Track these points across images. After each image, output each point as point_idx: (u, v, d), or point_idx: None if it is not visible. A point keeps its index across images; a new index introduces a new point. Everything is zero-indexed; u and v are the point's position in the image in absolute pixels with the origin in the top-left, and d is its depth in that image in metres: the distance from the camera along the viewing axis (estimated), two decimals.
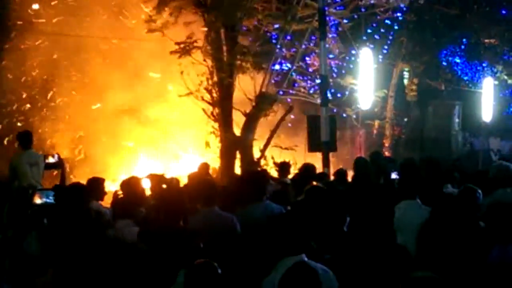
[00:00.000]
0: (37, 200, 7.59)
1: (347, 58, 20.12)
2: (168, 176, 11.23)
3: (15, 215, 6.28)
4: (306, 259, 4.75)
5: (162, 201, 6.38)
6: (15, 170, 10.47)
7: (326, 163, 14.18)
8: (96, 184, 8.07)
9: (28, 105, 18.89)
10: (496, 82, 23.76)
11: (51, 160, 9.22)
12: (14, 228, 6.17)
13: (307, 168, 9.68)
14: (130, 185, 7.89)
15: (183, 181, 10.72)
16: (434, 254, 5.11)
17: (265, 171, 11.49)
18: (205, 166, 11.60)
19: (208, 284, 4.58)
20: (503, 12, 23.02)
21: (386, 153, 21.50)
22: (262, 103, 15.91)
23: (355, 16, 19.05)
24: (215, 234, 6.30)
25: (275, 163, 13.42)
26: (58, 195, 6.84)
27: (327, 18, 16.00)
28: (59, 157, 9.25)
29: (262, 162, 15.98)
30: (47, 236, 5.49)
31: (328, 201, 6.39)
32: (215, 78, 15.71)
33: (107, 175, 14.36)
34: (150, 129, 19.26)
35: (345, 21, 18.47)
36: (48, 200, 7.59)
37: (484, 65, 24.82)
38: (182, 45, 15.61)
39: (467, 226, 4.87)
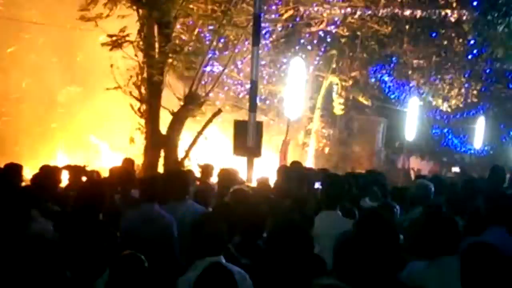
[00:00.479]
0: None
1: (279, 66, 20.25)
2: (88, 168, 11.07)
3: None
4: (223, 261, 4.72)
5: (82, 194, 6.25)
6: None
7: (250, 168, 14.19)
8: (16, 170, 7.89)
9: None
10: (421, 103, 24.29)
11: None
12: None
13: (228, 172, 9.67)
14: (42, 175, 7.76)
15: (104, 175, 10.57)
16: (350, 265, 5.14)
17: (190, 171, 11.41)
18: (129, 161, 11.43)
19: (133, 276, 4.48)
20: (433, 34, 23.55)
21: (310, 164, 21.71)
22: (190, 103, 15.81)
23: (290, 25, 19.19)
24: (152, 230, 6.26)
25: (198, 164, 13.35)
26: None
27: (262, 25, 16.04)
28: None
29: (187, 163, 15.89)
30: None
31: (251, 205, 6.37)
32: (145, 74, 15.53)
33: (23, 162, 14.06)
34: (74, 120, 18.98)
35: (279, 29, 18.59)
36: None
37: (411, 85, 25.34)
38: (114, 38, 15.39)
39: (387, 240, 4.92)
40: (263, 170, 16.22)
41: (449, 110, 24.83)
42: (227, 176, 9.17)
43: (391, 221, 5.61)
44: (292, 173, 10.54)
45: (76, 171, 10.28)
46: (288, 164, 13.15)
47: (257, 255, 5.60)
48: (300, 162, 13.06)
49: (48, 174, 8.53)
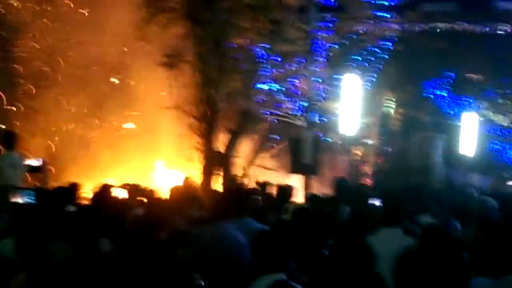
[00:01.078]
0: (18, 200, 7.51)
1: (335, 83, 20.17)
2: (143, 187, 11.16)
3: None
4: (286, 278, 4.72)
5: (146, 213, 6.32)
6: None
7: (307, 185, 14.19)
8: (75, 189, 8.02)
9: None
10: (482, 118, 23.90)
11: (35, 163, 9.12)
12: None
13: (284, 190, 9.68)
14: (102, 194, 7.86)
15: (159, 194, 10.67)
16: (412, 284, 5.08)
17: (251, 189, 11.45)
18: (189, 181, 11.51)
19: None
20: (490, 48, 23.15)
21: (368, 181, 21.53)
22: (246, 121, 15.90)
23: (343, 42, 19.13)
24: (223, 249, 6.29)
25: (257, 182, 13.37)
26: (41, 196, 6.78)
27: (317, 42, 16.06)
28: (43, 161, 9.16)
29: (243, 180, 15.96)
30: (25, 237, 5.39)
31: (313, 223, 6.35)
32: (202, 93, 15.70)
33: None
34: (131, 138, 19.20)
35: (332, 45, 18.56)
36: (28, 200, 7.52)
37: (469, 100, 24.96)
38: (170, 58, 15.62)
39: (451, 257, 4.84)
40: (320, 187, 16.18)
41: (511, 125, 24.40)
42: (285, 193, 9.18)
43: (455, 238, 5.53)
44: (348, 188, 10.47)
45: (133, 190, 10.42)
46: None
47: (317, 272, 5.58)
48: (356, 178, 13.01)
49: (106, 192, 8.66)
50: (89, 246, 5.54)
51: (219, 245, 6.50)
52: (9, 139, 10.64)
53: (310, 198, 10.47)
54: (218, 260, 6.07)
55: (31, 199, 7.47)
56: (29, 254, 5.21)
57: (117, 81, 19.64)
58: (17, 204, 7.53)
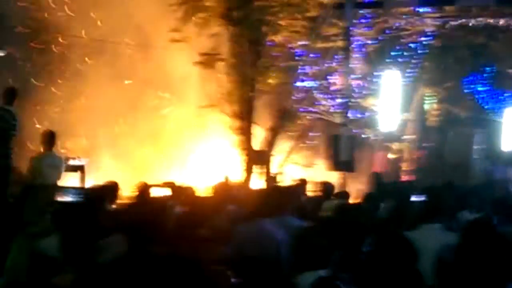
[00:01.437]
0: (60, 198, 7.61)
1: (370, 79, 20.06)
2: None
3: (35, 213, 6.27)
4: (329, 274, 4.71)
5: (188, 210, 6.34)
6: (34, 170, 10.50)
7: (344, 183, 14.14)
8: (116, 188, 8.09)
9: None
10: None
11: (73, 162, 9.24)
12: (35, 226, 6.16)
13: (327, 187, 9.64)
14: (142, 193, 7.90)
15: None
16: (455, 280, 5.04)
17: (291, 186, 11.45)
18: (228, 180, 11.54)
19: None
20: None
21: (407, 177, 21.39)
22: (283, 119, 15.89)
23: (381, 38, 19.02)
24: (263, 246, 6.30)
25: (295, 180, 13.35)
26: (82, 195, 6.86)
27: (353, 38, 16.00)
28: (83, 160, 9.27)
29: (279, 177, 15.95)
30: (69, 236, 5.45)
31: (352, 218, 6.33)
32: (238, 92, 15.74)
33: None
34: (165, 137, 19.30)
35: (370, 42, 18.47)
36: (71, 198, 7.63)
37: (507, 94, 24.64)
38: (206, 57, 15.69)
39: (496, 252, 4.78)
40: (357, 185, 16.12)
41: None
42: (326, 190, 9.16)
43: (499, 233, 5.45)
44: (385, 184, 10.41)
45: (173, 188, 10.48)
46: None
47: (358, 269, 5.55)
48: (395, 175, 12.92)
49: (146, 191, 8.70)
50: (137, 245, 5.58)
51: (257, 243, 6.51)
52: (47, 139, 10.78)
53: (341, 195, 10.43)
54: (257, 258, 6.08)
55: (72, 197, 7.57)
56: (73, 253, 5.26)
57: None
58: (59, 202, 7.62)
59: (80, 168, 9.25)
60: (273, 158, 15.85)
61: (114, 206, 8.13)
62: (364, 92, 19.83)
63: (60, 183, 10.50)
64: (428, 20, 19.05)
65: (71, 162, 9.26)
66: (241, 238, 6.67)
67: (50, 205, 7.24)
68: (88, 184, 9.20)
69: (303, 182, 11.76)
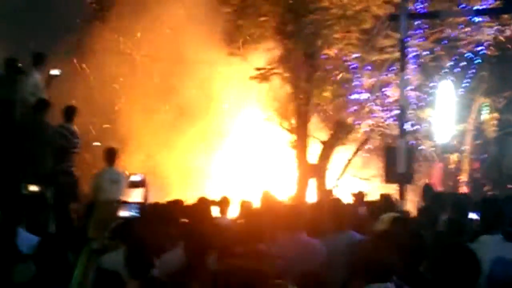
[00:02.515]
0: (122, 213, 7.78)
1: (427, 90, 19.90)
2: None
3: (99, 228, 6.42)
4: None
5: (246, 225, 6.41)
6: (96, 186, 10.74)
7: (402, 195, 14.02)
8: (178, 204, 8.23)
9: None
10: None
11: (134, 178, 9.42)
12: (98, 241, 6.31)
13: (386, 199, 9.60)
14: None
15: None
16: None
17: (358, 197, 11.47)
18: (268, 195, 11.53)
19: None
20: None
21: (463, 188, 21.11)
22: (339, 132, 15.88)
23: (436, 48, 18.86)
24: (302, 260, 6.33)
25: (353, 193, 13.30)
26: (144, 211, 7.00)
27: (408, 49, 15.92)
28: (143, 176, 9.44)
29: (336, 191, 15.91)
30: (133, 251, 5.57)
31: (413, 232, 6.31)
32: (293, 105, 15.80)
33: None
34: (221, 151, 19.46)
35: (425, 52, 18.34)
36: (133, 214, 7.78)
37: None
38: (261, 71, 15.82)
39: None
40: (415, 197, 15.99)
41: None
42: (384, 203, 9.12)
43: None
44: (442, 196, 10.28)
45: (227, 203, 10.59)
46: (440, 189, 12.94)
47: (420, 282, 5.54)
48: (452, 186, 12.77)
49: (204, 207, 8.78)
50: (196, 260, 5.68)
51: (305, 257, 6.54)
52: (109, 155, 11.02)
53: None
54: (307, 273, 6.10)
55: (135, 213, 7.72)
56: (137, 267, 5.38)
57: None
58: (121, 218, 7.78)
59: (142, 184, 9.42)
60: (329, 172, 15.81)
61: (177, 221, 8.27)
62: (420, 103, 19.69)
63: (123, 198, 10.72)
64: (485, 29, 18.80)
65: (133, 178, 9.44)
66: (292, 252, 6.71)
67: (113, 220, 7.39)
68: (151, 199, 9.37)
69: (360, 195, 11.73)
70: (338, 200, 8.56)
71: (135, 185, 9.51)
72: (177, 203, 8.39)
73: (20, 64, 12.66)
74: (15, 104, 11.06)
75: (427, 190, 11.11)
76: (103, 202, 10.06)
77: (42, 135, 10.82)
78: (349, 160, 16.25)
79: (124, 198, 10.65)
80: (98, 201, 10.20)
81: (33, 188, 8.66)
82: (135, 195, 10.43)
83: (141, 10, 19.25)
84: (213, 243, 6.66)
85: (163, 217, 6.92)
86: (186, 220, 8.28)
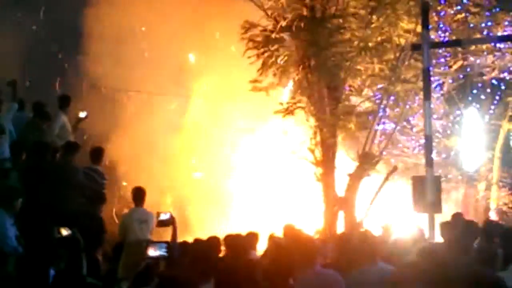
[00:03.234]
0: (151, 253, 7.79)
1: (452, 118, 19.83)
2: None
3: (129, 269, 6.45)
4: None
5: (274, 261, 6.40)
6: (125, 227, 10.80)
7: (431, 224, 13.89)
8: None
9: None
10: None
11: (163, 217, 9.46)
12: (129, 281, 6.34)
13: (415, 230, 9.49)
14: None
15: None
16: None
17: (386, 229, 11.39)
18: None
19: None
20: None
21: (494, 216, 20.84)
22: (365, 163, 15.81)
23: (460, 76, 18.84)
24: None
25: (382, 226, 13.19)
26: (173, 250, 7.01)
27: (432, 78, 15.88)
28: (171, 215, 9.47)
29: (364, 223, 15.80)
30: None
31: (441, 262, 6.27)
32: (318, 138, 15.79)
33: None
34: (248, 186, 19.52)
35: (450, 81, 18.33)
36: (161, 253, 7.79)
37: None
38: (285, 105, 15.87)
39: None
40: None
41: None
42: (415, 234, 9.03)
43: None
44: (473, 224, 10.14)
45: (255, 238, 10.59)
46: (470, 217, 12.77)
47: None
48: (481, 214, 12.62)
49: (235, 243, 8.78)
50: None
51: None
52: (137, 195, 11.09)
53: None
54: None
55: (164, 252, 7.74)
56: None
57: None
58: (151, 257, 7.81)
59: (170, 222, 9.46)
60: (357, 203, 15.73)
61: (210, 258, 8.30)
62: (445, 131, 19.63)
63: (152, 238, 10.76)
64: (508, 55, 18.77)
65: (162, 217, 9.48)
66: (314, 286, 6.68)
67: (142, 261, 7.42)
68: (180, 238, 9.41)
69: (388, 227, 11.66)
70: (367, 232, 8.50)
71: (163, 224, 9.53)
72: (209, 240, 8.43)
73: (47, 109, 12.85)
74: (44, 147, 11.18)
75: (457, 219, 10.98)
76: (133, 242, 10.10)
77: (70, 178, 10.92)
78: (376, 192, 16.13)
79: (153, 237, 10.70)
80: (127, 241, 10.25)
81: (65, 231, 8.74)
82: (164, 234, 10.45)
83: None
84: (244, 279, 6.67)
85: (195, 255, 6.93)
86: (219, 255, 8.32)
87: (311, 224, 15.46)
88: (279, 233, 11.41)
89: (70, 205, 10.45)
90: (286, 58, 15.86)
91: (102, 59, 19.64)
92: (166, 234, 9.92)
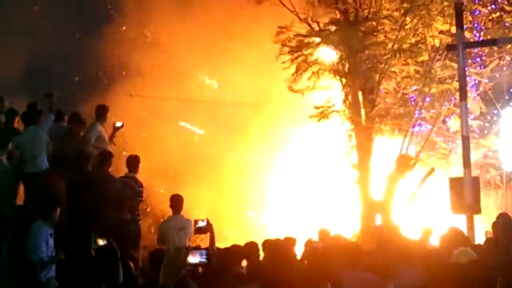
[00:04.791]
0: (191, 260, 7.86)
1: (490, 118, 19.62)
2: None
3: (168, 276, 6.51)
4: None
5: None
6: (163, 234, 10.88)
7: (470, 226, 13.78)
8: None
9: None
10: None
11: (200, 224, 9.54)
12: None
13: (453, 233, 9.43)
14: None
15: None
16: None
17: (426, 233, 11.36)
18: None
19: None
20: None
21: None
22: (402, 165, 15.72)
23: (497, 75, 18.64)
24: None
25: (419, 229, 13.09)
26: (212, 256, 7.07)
27: (468, 78, 15.76)
28: (208, 222, 9.54)
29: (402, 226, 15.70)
30: None
31: (480, 265, 6.24)
32: (354, 142, 15.76)
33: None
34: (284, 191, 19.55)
35: (486, 80, 18.15)
36: (201, 260, 7.86)
37: None
38: (320, 109, 15.85)
39: None
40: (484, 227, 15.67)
41: None
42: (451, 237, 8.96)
43: None
44: (510, 226, 10.02)
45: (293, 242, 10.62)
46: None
47: None
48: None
49: (272, 249, 8.81)
50: None
51: None
52: (174, 203, 11.15)
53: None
54: None
55: (203, 258, 7.81)
56: None
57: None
58: (190, 264, 7.88)
59: (207, 229, 9.54)
60: (393, 207, 15.64)
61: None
62: (484, 131, 19.43)
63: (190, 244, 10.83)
64: None
65: (199, 224, 9.56)
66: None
67: (182, 267, 7.49)
68: (218, 244, 9.48)
69: (428, 231, 11.59)
70: (403, 237, 8.48)
71: (201, 231, 9.61)
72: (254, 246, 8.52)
73: (83, 117, 12.98)
74: (82, 158, 11.33)
75: (502, 219, 10.84)
76: (172, 250, 10.17)
77: (107, 187, 11.03)
78: (413, 194, 16.04)
79: (192, 244, 10.77)
80: (167, 249, 10.33)
81: (102, 242, 8.84)
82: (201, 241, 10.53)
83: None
84: (284, 283, 6.72)
85: (233, 260, 6.99)
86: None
87: (348, 227, 15.40)
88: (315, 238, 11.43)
89: (107, 214, 10.57)
90: (319, 62, 15.84)
91: None
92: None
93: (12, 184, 11.27)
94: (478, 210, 14.40)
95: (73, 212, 10.11)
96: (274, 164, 20.07)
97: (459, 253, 7.08)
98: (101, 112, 12.85)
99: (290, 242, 10.53)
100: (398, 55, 15.44)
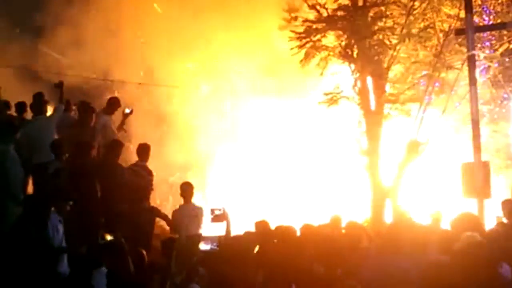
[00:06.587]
0: (203, 247, 7.93)
1: (500, 103, 19.54)
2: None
3: (181, 263, 6.55)
4: None
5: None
6: (175, 222, 10.92)
7: (481, 209, 13.80)
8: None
9: None
10: None
11: (217, 212, 9.57)
12: (180, 276, 6.44)
13: (466, 217, 9.40)
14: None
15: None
16: None
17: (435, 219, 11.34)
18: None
19: None
20: None
21: None
22: (411, 151, 15.70)
23: (507, 59, 18.55)
24: None
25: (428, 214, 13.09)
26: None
27: (477, 63, 15.70)
28: (224, 210, 9.59)
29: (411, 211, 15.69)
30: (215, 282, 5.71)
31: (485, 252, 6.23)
32: (363, 127, 15.73)
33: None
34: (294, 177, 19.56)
35: (495, 64, 18.07)
36: (213, 247, 7.93)
37: None
38: (329, 95, 15.82)
39: None
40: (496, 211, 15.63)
41: None
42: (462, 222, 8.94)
43: None
44: None
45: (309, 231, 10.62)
46: None
47: None
48: None
49: (283, 234, 8.84)
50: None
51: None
52: (185, 191, 11.19)
53: None
54: None
55: (214, 246, 7.86)
56: None
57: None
58: (202, 252, 7.92)
59: (223, 217, 9.57)
60: (403, 192, 15.63)
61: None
62: (494, 116, 19.35)
63: (204, 232, 10.85)
64: None
65: (216, 212, 9.60)
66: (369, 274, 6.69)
67: (194, 255, 7.54)
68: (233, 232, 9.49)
69: (437, 216, 11.57)
70: (413, 221, 8.48)
71: (218, 219, 9.62)
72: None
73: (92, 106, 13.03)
74: (88, 146, 11.33)
75: (508, 205, 10.83)
76: (184, 237, 10.21)
77: (115, 176, 11.04)
78: (422, 178, 16.03)
79: (206, 231, 10.78)
80: (179, 237, 10.37)
81: (109, 237, 8.87)
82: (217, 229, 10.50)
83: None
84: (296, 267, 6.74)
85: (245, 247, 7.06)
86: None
87: (359, 213, 15.40)
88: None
89: (116, 203, 10.59)
90: (328, 48, 15.80)
91: None
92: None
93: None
94: (488, 194, 14.39)
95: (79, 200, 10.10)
96: (284, 151, 20.08)
97: (466, 237, 7.07)
98: (111, 105, 12.94)
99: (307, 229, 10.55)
100: (407, 40, 15.39)
